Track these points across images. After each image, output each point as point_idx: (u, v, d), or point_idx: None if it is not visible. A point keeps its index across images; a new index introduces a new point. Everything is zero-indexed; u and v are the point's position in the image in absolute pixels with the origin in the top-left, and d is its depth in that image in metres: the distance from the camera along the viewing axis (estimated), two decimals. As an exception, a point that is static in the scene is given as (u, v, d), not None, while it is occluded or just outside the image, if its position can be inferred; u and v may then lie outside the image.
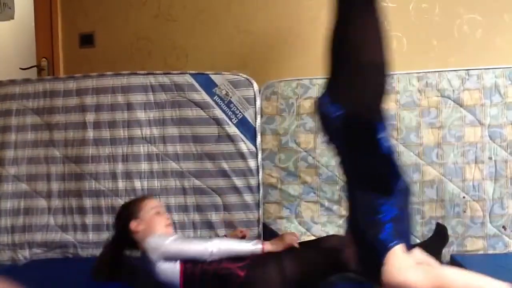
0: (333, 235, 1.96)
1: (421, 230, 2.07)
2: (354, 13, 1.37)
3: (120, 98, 2.20)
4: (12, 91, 2.25)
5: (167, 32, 2.49)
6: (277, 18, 2.42)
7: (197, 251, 1.63)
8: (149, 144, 2.19)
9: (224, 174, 2.14)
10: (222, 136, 2.14)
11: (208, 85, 2.16)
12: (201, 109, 2.15)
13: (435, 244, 1.83)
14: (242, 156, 2.13)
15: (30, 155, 2.22)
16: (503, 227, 2.05)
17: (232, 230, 2.07)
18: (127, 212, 1.80)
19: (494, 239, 2.05)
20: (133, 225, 1.75)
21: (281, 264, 1.65)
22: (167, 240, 1.64)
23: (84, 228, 2.18)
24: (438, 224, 1.91)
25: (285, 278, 1.64)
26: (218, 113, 2.15)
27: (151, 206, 1.81)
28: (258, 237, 2.11)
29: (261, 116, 2.18)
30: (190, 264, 1.63)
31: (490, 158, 2.07)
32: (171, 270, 1.62)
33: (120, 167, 2.19)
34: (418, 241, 2.06)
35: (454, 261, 1.94)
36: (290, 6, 2.41)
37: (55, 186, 2.21)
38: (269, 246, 1.68)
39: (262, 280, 1.63)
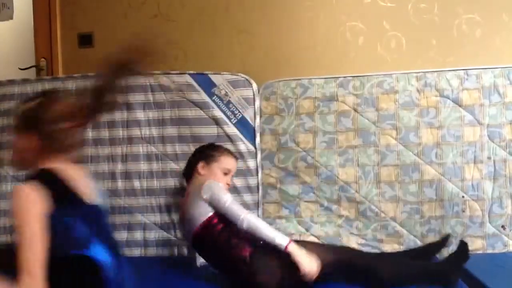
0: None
1: (420, 229, 2.07)
2: None
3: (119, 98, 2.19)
4: (11, 91, 2.25)
5: (166, 32, 2.48)
6: (276, 18, 2.42)
7: (233, 212, 1.73)
8: (148, 144, 2.19)
9: (223, 174, 2.14)
10: (221, 136, 2.14)
11: (207, 85, 2.16)
12: (200, 109, 2.15)
13: (456, 260, 1.81)
14: (241, 156, 2.13)
15: (29, 155, 2.22)
16: (502, 226, 2.06)
17: None
18: (206, 152, 1.95)
19: (493, 238, 2.05)
20: (200, 166, 1.91)
21: (286, 262, 1.64)
22: (226, 195, 1.77)
23: (83, 228, 2.18)
24: (461, 242, 1.88)
25: (284, 278, 1.65)
26: (217, 113, 2.15)
27: (225, 165, 1.93)
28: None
29: (260, 116, 2.18)
30: (218, 218, 1.74)
31: (489, 158, 2.07)
32: (204, 211, 1.75)
33: (119, 167, 2.18)
34: (418, 241, 2.07)
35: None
36: (288, 6, 2.41)
37: (54, 186, 2.20)
38: (293, 248, 1.64)
39: (263, 271, 1.65)
